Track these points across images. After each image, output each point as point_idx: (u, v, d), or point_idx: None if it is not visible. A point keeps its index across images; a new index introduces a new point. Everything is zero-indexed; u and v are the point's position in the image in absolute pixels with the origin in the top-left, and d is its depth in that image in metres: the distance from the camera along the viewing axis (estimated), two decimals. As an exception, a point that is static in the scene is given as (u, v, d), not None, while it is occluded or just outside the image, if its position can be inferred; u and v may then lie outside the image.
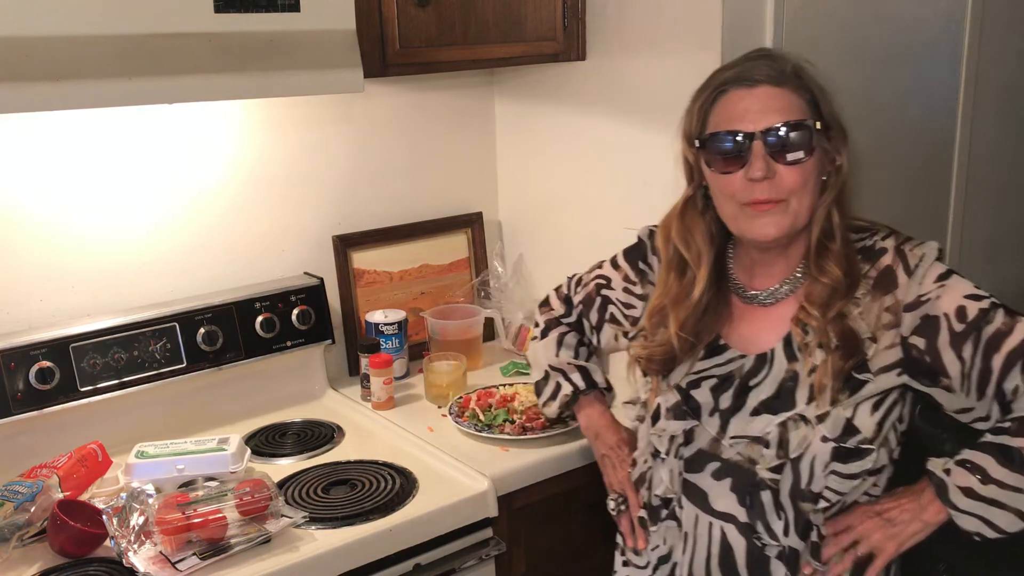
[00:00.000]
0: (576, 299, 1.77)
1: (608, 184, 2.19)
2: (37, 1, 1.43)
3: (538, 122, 2.35)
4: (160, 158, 2.00)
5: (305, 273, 2.20)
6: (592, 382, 1.73)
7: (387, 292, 2.33)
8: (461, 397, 2.04)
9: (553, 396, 1.75)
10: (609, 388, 1.76)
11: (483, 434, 1.88)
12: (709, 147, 1.42)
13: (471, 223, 2.46)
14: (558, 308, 1.81)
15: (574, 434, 1.87)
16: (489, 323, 2.41)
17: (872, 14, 2.11)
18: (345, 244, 2.26)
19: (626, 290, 1.67)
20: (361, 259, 2.29)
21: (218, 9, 1.58)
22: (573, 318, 1.78)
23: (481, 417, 1.94)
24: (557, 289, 1.84)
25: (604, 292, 1.70)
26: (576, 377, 1.73)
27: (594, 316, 1.73)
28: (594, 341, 1.76)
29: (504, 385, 2.09)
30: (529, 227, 2.47)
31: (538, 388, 1.79)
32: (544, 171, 2.37)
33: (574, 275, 1.81)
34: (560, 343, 1.76)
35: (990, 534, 1.33)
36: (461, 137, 2.44)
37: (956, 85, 2.37)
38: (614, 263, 1.71)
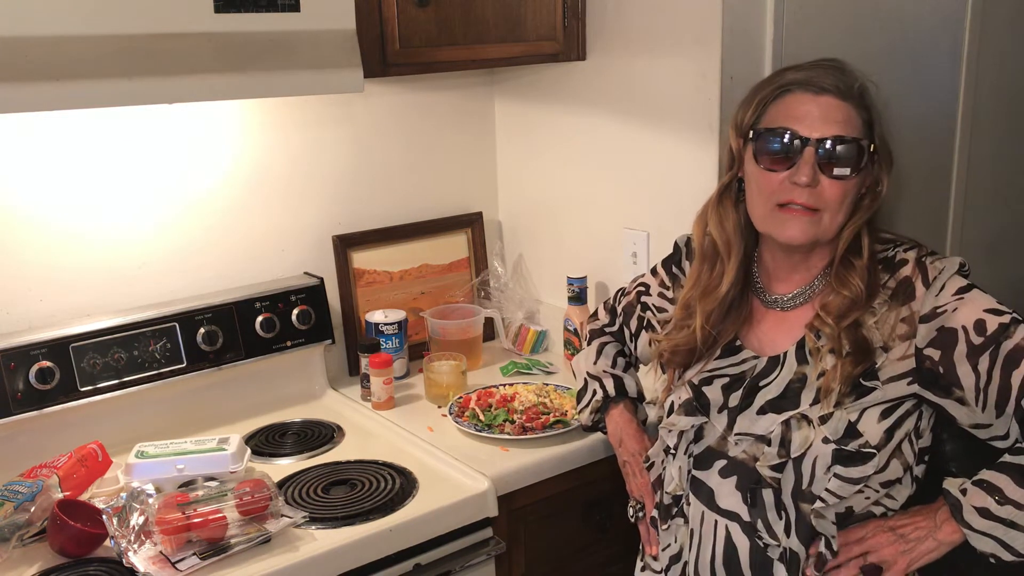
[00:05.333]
0: (620, 307, 1.80)
1: (608, 184, 2.19)
2: (37, 1, 1.43)
3: (538, 122, 2.35)
4: (160, 158, 2.00)
5: (305, 273, 2.20)
6: (623, 390, 1.74)
7: (387, 292, 2.33)
8: (461, 397, 2.04)
9: (587, 403, 1.77)
10: (641, 399, 1.76)
11: (483, 434, 1.88)
12: (761, 140, 1.42)
13: (471, 223, 2.46)
14: (603, 318, 1.85)
15: (574, 434, 1.87)
16: (489, 323, 2.41)
17: (872, 13, 2.11)
18: (345, 244, 2.26)
19: (660, 295, 1.70)
20: (361, 259, 2.29)
21: (218, 9, 1.57)
22: (616, 327, 1.81)
23: (481, 417, 1.94)
24: (605, 301, 1.88)
25: (644, 299, 1.74)
26: (608, 384, 1.74)
27: (633, 323, 1.76)
28: (632, 350, 1.79)
29: (504, 385, 2.09)
30: (529, 227, 2.47)
31: (578, 396, 1.82)
32: (544, 171, 2.37)
33: (621, 288, 1.84)
34: (600, 352, 1.80)
35: (1007, 556, 1.30)
36: (461, 137, 2.44)
37: (956, 85, 2.37)
38: (653, 270, 1.75)
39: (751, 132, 1.44)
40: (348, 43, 1.74)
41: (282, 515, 1.58)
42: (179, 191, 2.03)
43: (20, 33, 1.43)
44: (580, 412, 1.80)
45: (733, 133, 1.49)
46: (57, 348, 1.81)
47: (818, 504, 1.36)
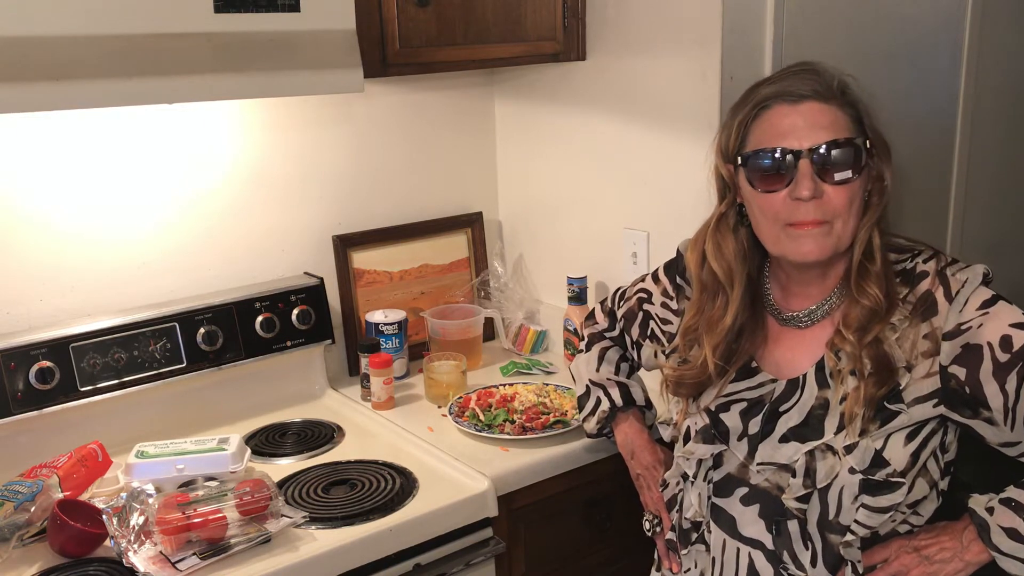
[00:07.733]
0: (619, 312, 1.74)
1: (608, 184, 2.19)
2: (37, 1, 1.43)
3: (538, 122, 2.35)
4: (160, 158, 2.00)
5: (305, 273, 2.20)
6: (631, 399, 1.70)
7: (387, 292, 2.33)
8: (461, 397, 2.04)
9: (592, 412, 1.72)
10: (649, 406, 1.73)
11: (483, 434, 1.88)
12: (751, 164, 1.36)
13: (471, 223, 2.46)
14: (602, 322, 1.79)
15: (573, 434, 1.87)
16: (489, 323, 2.41)
17: (872, 13, 2.11)
18: (345, 244, 2.26)
19: (664, 305, 1.64)
20: (361, 259, 2.29)
21: (218, 9, 1.57)
22: (616, 332, 1.75)
23: (481, 417, 1.94)
24: (602, 302, 1.82)
25: (646, 307, 1.67)
26: (615, 393, 1.70)
27: (635, 331, 1.70)
28: (635, 357, 1.74)
29: (504, 385, 2.09)
30: (529, 227, 2.47)
31: (580, 403, 1.77)
32: (544, 171, 2.37)
33: (619, 288, 1.78)
34: (601, 358, 1.75)
35: None
36: (461, 137, 2.44)
37: (956, 85, 2.37)
38: (655, 276, 1.68)
39: (739, 158, 1.38)
40: (348, 43, 1.74)
41: (282, 515, 1.58)
42: (179, 191, 2.03)
43: (20, 33, 1.43)
44: (584, 420, 1.75)
45: (720, 160, 1.43)
46: (57, 348, 1.81)
47: (849, 536, 1.32)
